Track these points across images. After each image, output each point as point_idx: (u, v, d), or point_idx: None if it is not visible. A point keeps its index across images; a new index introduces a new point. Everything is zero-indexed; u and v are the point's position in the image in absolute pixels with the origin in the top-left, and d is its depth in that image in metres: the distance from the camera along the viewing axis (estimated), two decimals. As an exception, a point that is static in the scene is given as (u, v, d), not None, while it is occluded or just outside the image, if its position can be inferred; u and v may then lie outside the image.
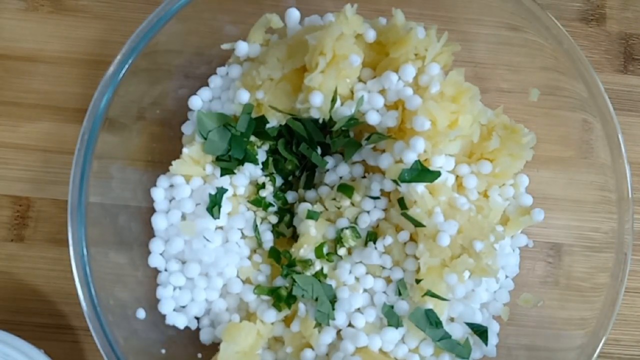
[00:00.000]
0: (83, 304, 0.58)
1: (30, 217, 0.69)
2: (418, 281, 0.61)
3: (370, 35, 0.63)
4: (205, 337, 0.65)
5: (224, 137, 0.64)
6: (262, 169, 0.67)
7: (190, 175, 0.64)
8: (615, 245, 0.63)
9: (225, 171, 0.64)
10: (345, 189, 0.64)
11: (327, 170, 0.67)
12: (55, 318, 0.67)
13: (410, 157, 0.61)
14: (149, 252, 0.64)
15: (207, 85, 0.67)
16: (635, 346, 0.71)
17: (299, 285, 0.62)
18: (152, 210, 0.64)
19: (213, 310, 0.65)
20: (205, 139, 0.64)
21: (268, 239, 0.66)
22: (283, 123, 0.65)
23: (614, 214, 0.63)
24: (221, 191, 0.63)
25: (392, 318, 0.62)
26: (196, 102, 0.66)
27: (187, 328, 0.65)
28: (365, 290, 0.63)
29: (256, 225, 0.66)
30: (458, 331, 0.63)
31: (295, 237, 0.66)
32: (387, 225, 0.64)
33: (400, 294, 0.62)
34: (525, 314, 0.67)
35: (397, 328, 0.62)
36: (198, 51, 0.68)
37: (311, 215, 0.64)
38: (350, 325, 0.63)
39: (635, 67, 0.76)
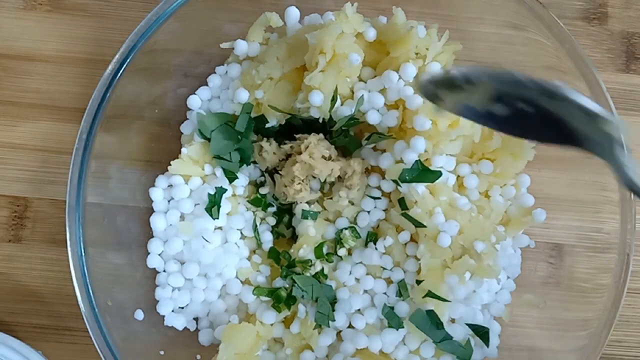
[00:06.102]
0: (81, 305, 0.58)
1: (28, 217, 0.69)
2: (419, 282, 0.61)
3: (371, 34, 0.63)
4: (204, 338, 0.64)
5: (227, 136, 0.63)
6: (262, 169, 0.66)
7: (189, 175, 0.64)
8: (617, 245, 0.62)
9: (229, 173, 0.63)
10: (346, 189, 0.64)
11: (327, 170, 0.67)
12: (53, 319, 0.67)
13: (410, 157, 0.60)
14: (147, 253, 0.63)
15: (206, 84, 0.67)
16: (637, 347, 0.71)
17: (298, 286, 0.61)
18: (151, 211, 0.64)
19: (212, 312, 0.64)
20: (205, 138, 0.63)
21: (267, 239, 0.66)
22: (283, 122, 0.65)
23: (616, 215, 0.62)
24: (220, 191, 0.63)
25: (392, 319, 0.61)
26: (195, 101, 0.66)
27: (186, 329, 0.64)
28: (365, 291, 0.63)
29: (255, 226, 0.65)
30: (459, 332, 0.62)
31: (294, 237, 0.66)
32: (387, 225, 0.64)
33: (400, 295, 0.62)
34: (527, 315, 0.67)
35: (397, 329, 0.61)
36: (197, 50, 0.68)
37: (306, 216, 0.63)
38: (350, 326, 0.62)
39: (638, 66, 0.75)
